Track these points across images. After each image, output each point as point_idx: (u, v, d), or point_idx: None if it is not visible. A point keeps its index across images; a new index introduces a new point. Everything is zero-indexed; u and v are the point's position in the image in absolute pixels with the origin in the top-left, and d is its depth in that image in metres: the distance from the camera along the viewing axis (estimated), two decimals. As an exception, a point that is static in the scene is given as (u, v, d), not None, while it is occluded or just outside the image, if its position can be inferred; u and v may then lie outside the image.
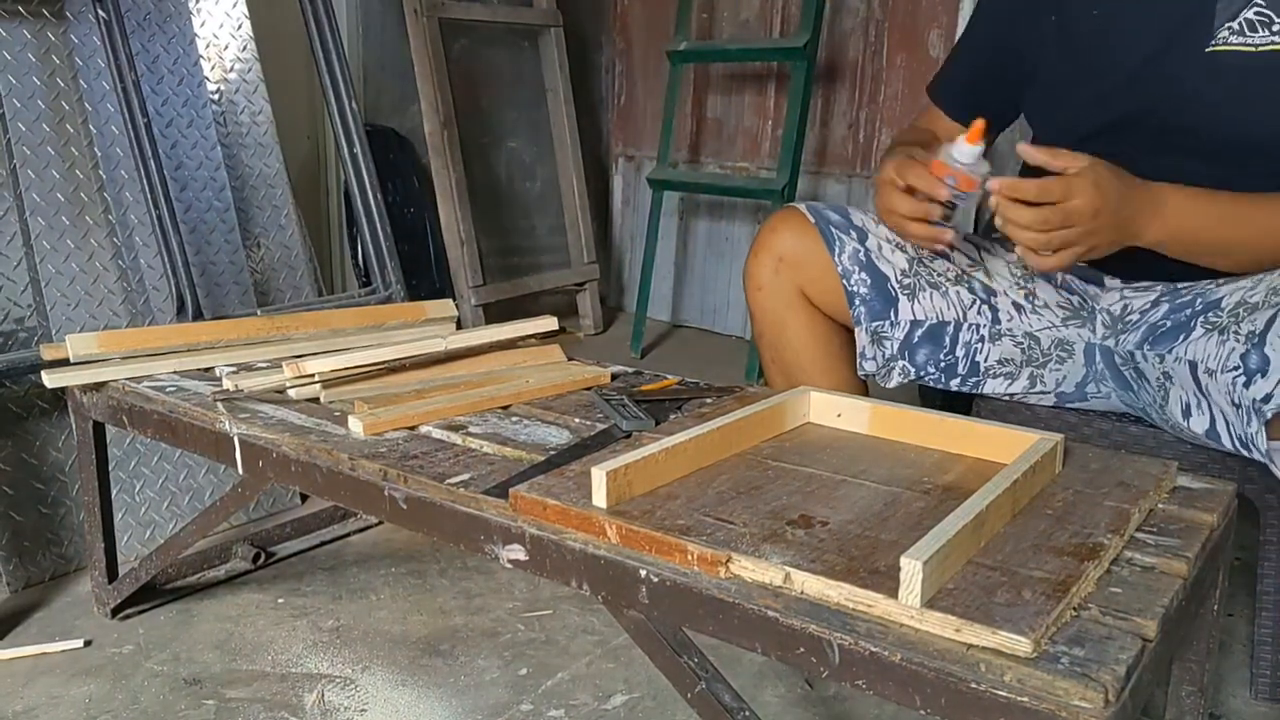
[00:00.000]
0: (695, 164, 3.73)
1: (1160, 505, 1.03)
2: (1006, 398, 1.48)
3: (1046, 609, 0.78)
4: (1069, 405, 1.48)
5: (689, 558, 0.89)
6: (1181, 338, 1.27)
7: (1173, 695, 1.14)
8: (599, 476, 0.95)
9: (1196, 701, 1.13)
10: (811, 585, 0.83)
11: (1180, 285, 1.37)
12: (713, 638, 0.88)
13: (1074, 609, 0.81)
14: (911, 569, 0.77)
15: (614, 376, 1.48)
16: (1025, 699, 0.71)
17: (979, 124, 1.21)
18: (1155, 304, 1.37)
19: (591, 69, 3.88)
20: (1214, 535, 0.98)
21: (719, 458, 1.11)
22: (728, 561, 0.87)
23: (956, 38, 3.02)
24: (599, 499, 0.95)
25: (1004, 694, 0.72)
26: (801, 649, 0.81)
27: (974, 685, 0.73)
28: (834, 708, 1.42)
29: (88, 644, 1.53)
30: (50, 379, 1.44)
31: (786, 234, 1.48)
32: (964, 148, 1.22)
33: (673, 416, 1.28)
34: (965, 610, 0.77)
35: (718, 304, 3.73)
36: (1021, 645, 0.73)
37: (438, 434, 1.24)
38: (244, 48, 2.15)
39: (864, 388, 1.54)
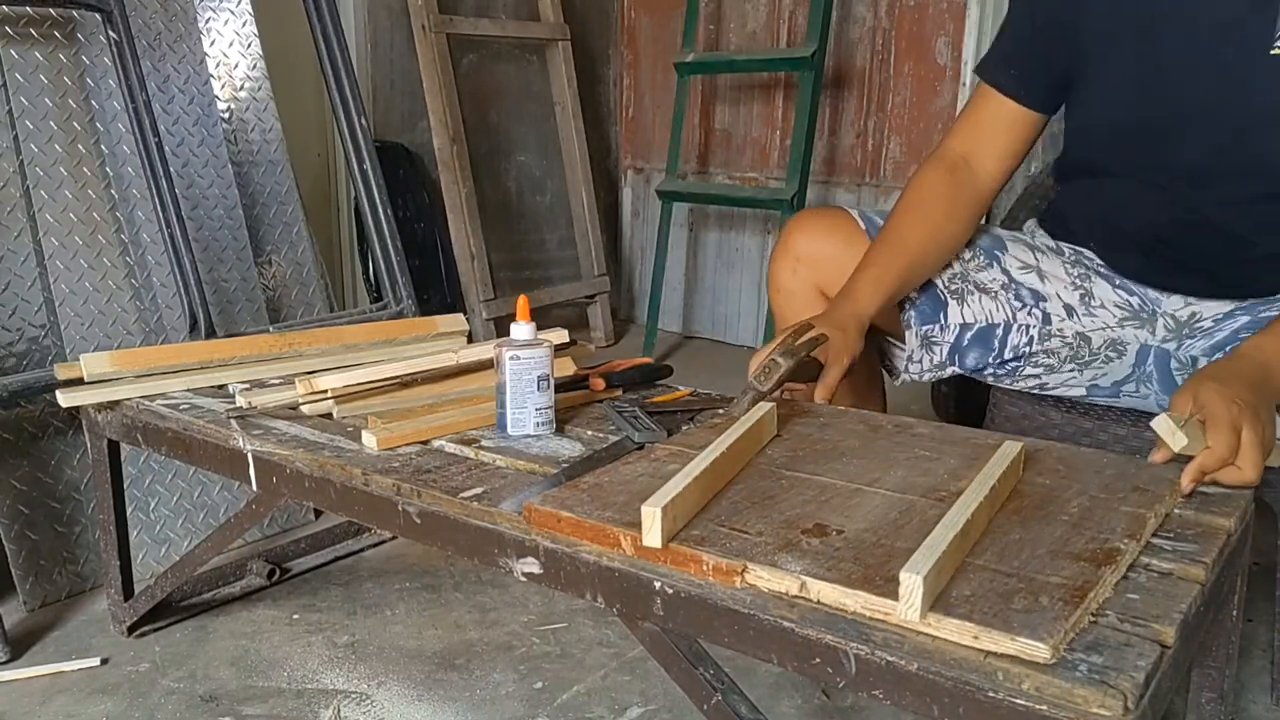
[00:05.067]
0: (704, 175, 3.74)
1: (1177, 510, 1.02)
2: (1037, 389, 1.48)
3: (1064, 615, 0.77)
4: (1095, 400, 1.48)
5: (704, 568, 0.89)
6: (1231, 350, 1.26)
7: (1192, 702, 1.13)
8: (651, 514, 0.91)
9: (1217, 708, 1.12)
10: (827, 594, 0.83)
11: (1259, 300, 1.35)
12: (728, 649, 0.88)
13: (1092, 615, 0.80)
14: (911, 583, 0.77)
15: (624, 389, 1.48)
16: (1044, 707, 0.71)
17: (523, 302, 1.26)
18: (1231, 315, 1.36)
19: (599, 82, 3.89)
20: (1231, 540, 0.97)
21: (735, 468, 1.10)
22: (743, 571, 0.87)
23: (964, 45, 3.02)
24: (652, 539, 0.91)
25: (1022, 702, 0.71)
26: (818, 659, 0.81)
27: (992, 694, 0.72)
28: (851, 718, 1.42)
29: (104, 662, 1.53)
30: (65, 398, 1.45)
31: (801, 236, 1.48)
32: (520, 328, 1.24)
33: (684, 428, 1.27)
34: (983, 617, 0.77)
35: (729, 314, 3.73)
36: (1040, 651, 0.73)
37: (450, 448, 1.24)
38: (254, 66, 2.17)
39: (883, 384, 1.54)
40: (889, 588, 0.81)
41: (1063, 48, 1.38)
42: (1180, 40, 1.27)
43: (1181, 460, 1.05)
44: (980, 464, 1.09)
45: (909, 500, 1.01)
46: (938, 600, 0.80)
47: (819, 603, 0.83)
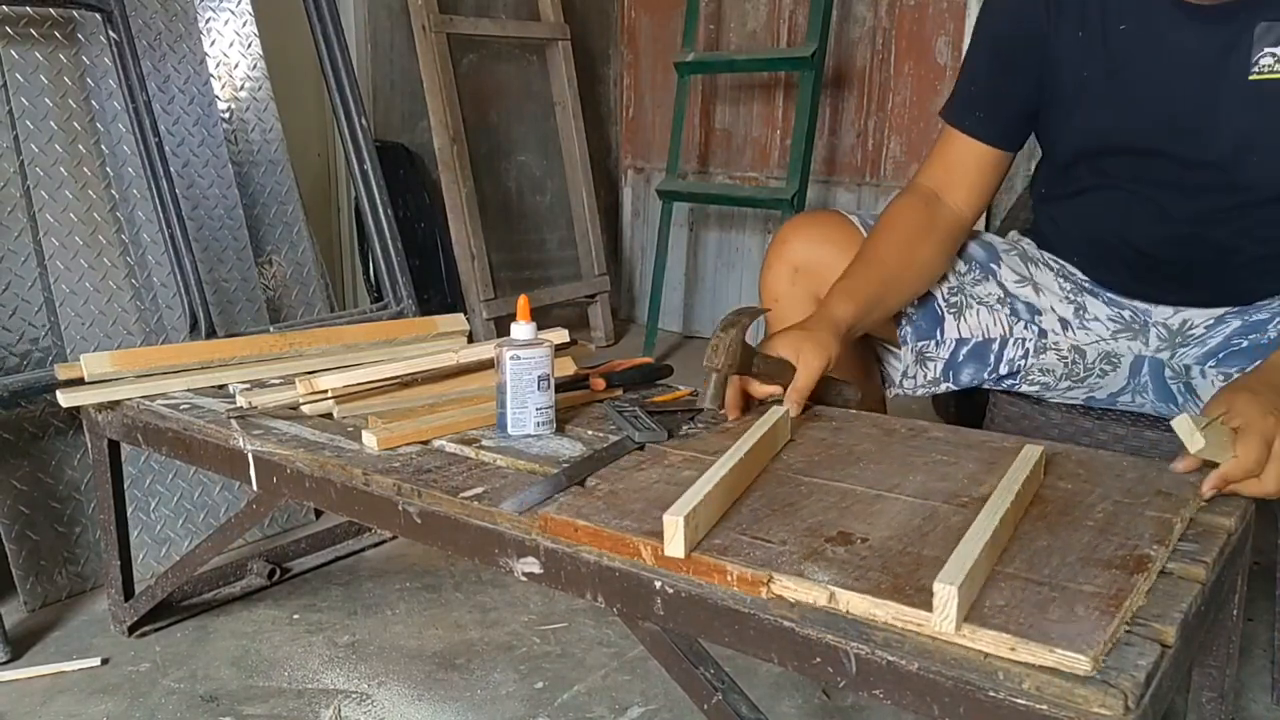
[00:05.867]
0: (704, 175, 3.74)
1: (1177, 510, 1.02)
2: (1034, 397, 1.48)
3: (1102, 625, 0.76)
4: (1094, 407, 1.48)
5: (729, 578, 0.87)
6: (1262, 361, 1.26)
7: (1193, 701, 1.13)
8: (673, 523, 0.89)
9: (1217, 707, 1.12)
10: (857, 604, 0.81)
11: (1249, 306, 1.35)
12: (729, 649, 0.87)
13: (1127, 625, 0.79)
14: (946, 594, 0.75)
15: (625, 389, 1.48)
16: (1044, 706, 0.70)
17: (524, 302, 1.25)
18: (1222, 320, 1.36)
19: (599, 82, 3.89)
20: (1232, 540, 0.97)
21: (752, 475, 1.08)
22: (769, 582, 0.85)
23: (965, 45, 3.02)
24: (675, 548, 0.89)
25: (1023, 702, 0.71)
26: (818, 659, 0.81)
27: (992, 694, 0.72)
28: (852, 718, 1.42)
29: (105, 662, 1.53)
30: (65, 398, 1.45)
31: (799, 244, 1.46)
32: (521, 327, 1.24)
33: (685, 428, 1.27)
34: (1019, 628, 0.75)
35: (729, 314, 3.73)
36: (1080, 664, 0.71)
37: (451, 448, 1.24)
38: (254, 66, 2.17)
39: (881, 392, 1.54)
40: (920, 598, 0.79)
41: (1027, 85, 1.38)
42: (1152, 72, 1.27)
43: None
44: (998, 468, 1.08)
45: (931, 506, 1.00)
46: (971, 610, 0.78)
47: (848, 614, 0.81)
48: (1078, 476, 1.08)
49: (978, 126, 1.43)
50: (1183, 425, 1.02)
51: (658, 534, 0.91)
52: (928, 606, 0.77)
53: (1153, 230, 1.34)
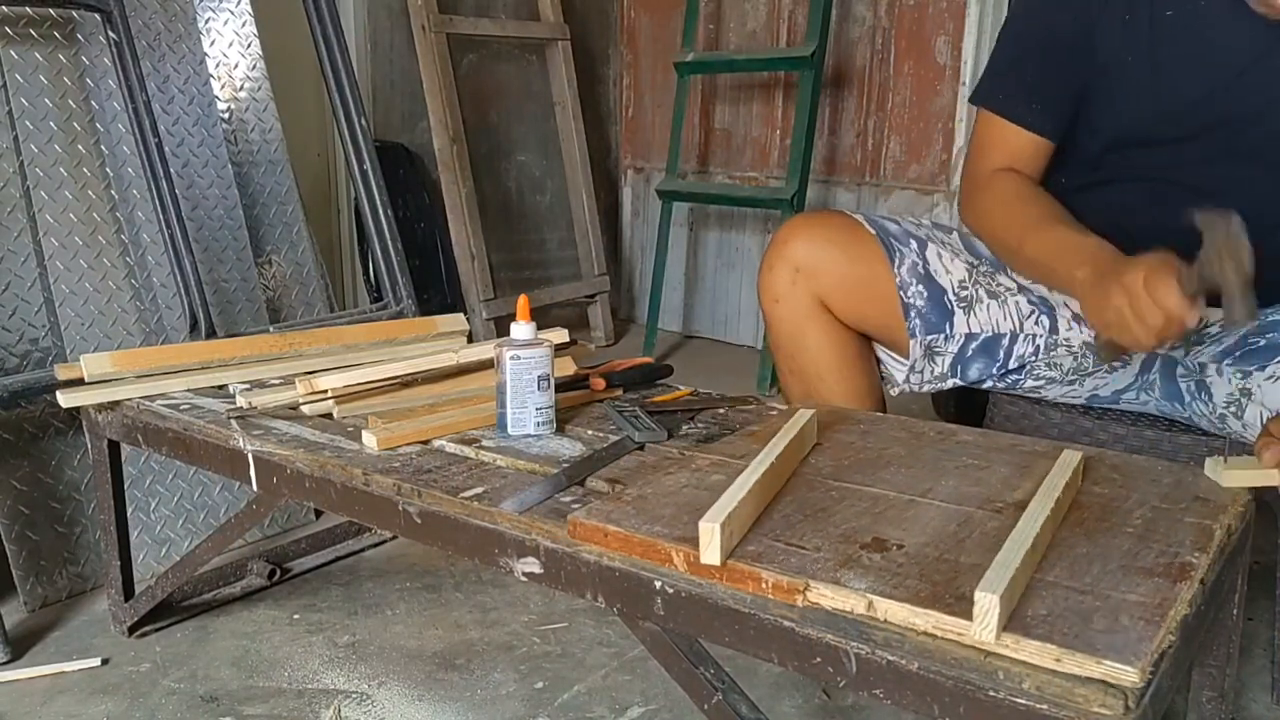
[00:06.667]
0: (704, 175, 3.74)
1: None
2: (1035, 395, 1.47)
3: (1148, 635, 0.75)
4: (1095, 405, 1.47)
5: (763, 586, 0.85)
6: (1278, 359, 1.26)
7: (1193, 701, 1.13)
8: (709, 530, 0.87)
9: (1217, 707, 1.12)
10: (895, 613, 0.80)
11: (1266, 305, 1.35)
12: (729, 649, 0.87)
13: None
14: (987, 603, 0.74)
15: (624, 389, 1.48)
16: (1044, 706, 0.70)
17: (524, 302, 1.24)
18: None
19: (599, 82, 3.89)
20: (1232, 539, 0.97)
21: (782, 479, 1.06)
22: (805, 590, 0.84)
23: (964, 44, 3.02)
24: (711, 555, 0.87)
25: (1023, 701, 0.71)
26: (818, 659, 0.81)
27: (993, 693, 0.72)
28: (852, 717, 1.42)
29: (105, 662, 1.53)
30: (65, 399, 1.45)
31: (800, 244, 1.46)
32: (521, 327, 1.24)
33: (685, 428, 1.27)
34: (1063, 639, 0.74)
35: (729, 314, 3.73)
36: (1129, 675, 0.70)
37: (451, 448, 1.24)
38: (254, 66, 2.17)
39: (881, 393, 1.53)
40: (960, 606, 0.78)
41: (1077, 75, 1.37)
42: (1194, 60, 1.27)
43: (1183, 456, 1.05)
44: (1031, 472, 1.07)
45: (966, 511, 0.98)
46: (1013, 620, 0.76)
47: (886, 622, 0.80)
48: (1113, 481, 1.06)
49: (1038, 120, 1.41)
50: (1210, 467, 1.07)
51: (690, 540, 0.89)
52: (968, 615, 0.76)
53: (1179, 220, 1.33)
